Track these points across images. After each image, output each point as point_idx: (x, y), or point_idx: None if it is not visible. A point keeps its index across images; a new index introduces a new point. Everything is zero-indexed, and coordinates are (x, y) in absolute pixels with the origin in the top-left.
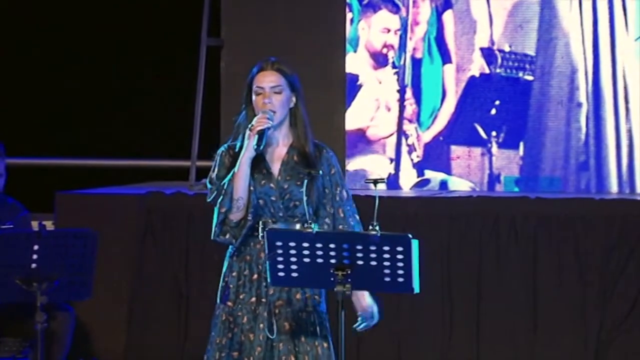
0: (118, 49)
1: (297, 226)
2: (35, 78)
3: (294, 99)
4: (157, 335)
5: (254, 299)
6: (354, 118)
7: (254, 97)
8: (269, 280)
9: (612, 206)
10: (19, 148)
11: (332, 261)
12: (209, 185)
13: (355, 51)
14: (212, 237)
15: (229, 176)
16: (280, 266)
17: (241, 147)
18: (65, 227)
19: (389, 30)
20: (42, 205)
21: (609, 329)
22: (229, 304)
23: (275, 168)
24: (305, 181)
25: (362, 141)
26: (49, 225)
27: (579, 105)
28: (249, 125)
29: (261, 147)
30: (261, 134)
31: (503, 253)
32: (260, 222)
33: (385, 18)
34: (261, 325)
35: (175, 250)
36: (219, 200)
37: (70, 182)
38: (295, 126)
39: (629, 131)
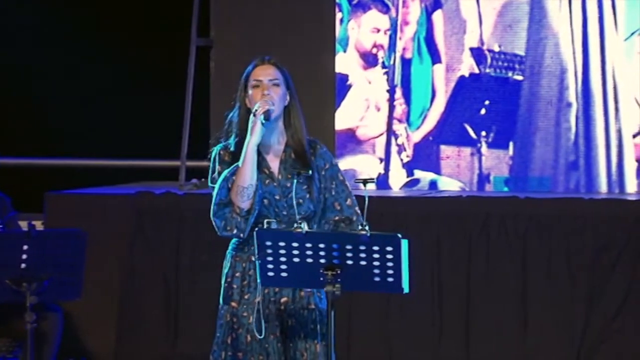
0: (108, 48)
1: (304, 225)
2: (24, 78)
3: (288, 97)
4: (147, 334)
5: (259, 298)
6: (344, 118)
7: (250, 91)
8: (258, 280)
9: (602, 206)
10: (9, 148)
11: (322, 261)
12: (211, 185)
13: (344, 51)
14: (218, 233)
15: (230, 168)
16: (270, 266)
17: (237, 144)
18: (54, 227)
19: (378, 30)
20: (32, 205)
21: (598, 329)
22: (233, 304)
23: (275, 167)
24: (295, 181)
25: (351, 141)
26: (39, 225)
27: (569, 105)
28: (253, 111)
29: (270, 122)
30: (267, 113)
31: (493, 253)
32: (265, 222)
33: (374, 18)
34: (274, 324)
35: (165, 250)
36: (216, 191)
37: (59, 182)
38: (289, 125)
39: (619, 131)
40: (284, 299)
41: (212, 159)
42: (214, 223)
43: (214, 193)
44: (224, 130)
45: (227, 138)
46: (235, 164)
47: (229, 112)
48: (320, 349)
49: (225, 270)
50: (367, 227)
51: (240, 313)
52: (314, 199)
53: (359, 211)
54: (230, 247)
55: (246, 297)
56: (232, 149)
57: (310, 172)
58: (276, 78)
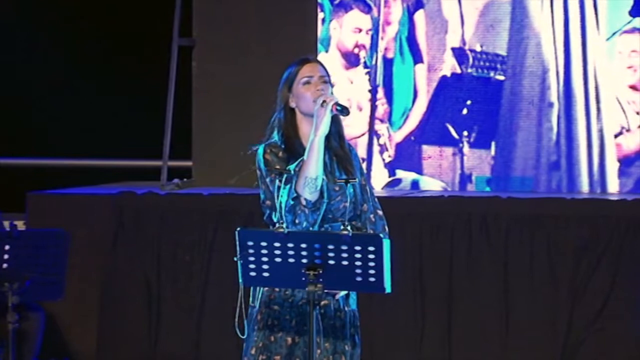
0: (90, 48)
1: (349, 227)
2: (6, 78)
3: None
4: (129, 334)
5: (303, 300)
6: None
7: (299, 87)
8: (240, 280)
9: (583, 206)
10: None
11: (304, 261)
12: (270, 181)
13: (326, 51)
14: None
15: (296, 163)
16: (252, 266)
17: (285, 142)
18: (37, 227)
19: (360, 30)
20: (14, 205)
21: (580, 329)
22: (275, 307)
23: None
24: (348, 187)
25: None
26: (21, 225)
27: (550, 105)
28: (319, 102)
29: (349, 112)
30: (338, 105)
31: (475, 253)
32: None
33: (356, 18)
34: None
35: (147, 250)
36: (288, 188)
37: (42, 182)
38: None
39: (600, 131)
40: (323, 302)
41: (261, 157)
42: (284, 219)
43: (286, 191)
44: (268, 131)
45: (268, 138)
46: (300, 158)
47: (273, 114)
48: (349, 350)
49: None
50: (349, 227)
51: (283, 316)
52: (358, 202)
53: (380, 214)
54: None
55: (290, 300)
56: (280, 143)
57: (359, 179)
58: (325, 75)
